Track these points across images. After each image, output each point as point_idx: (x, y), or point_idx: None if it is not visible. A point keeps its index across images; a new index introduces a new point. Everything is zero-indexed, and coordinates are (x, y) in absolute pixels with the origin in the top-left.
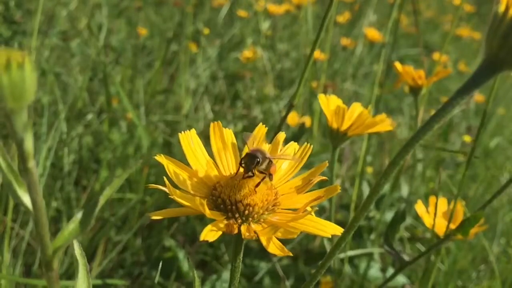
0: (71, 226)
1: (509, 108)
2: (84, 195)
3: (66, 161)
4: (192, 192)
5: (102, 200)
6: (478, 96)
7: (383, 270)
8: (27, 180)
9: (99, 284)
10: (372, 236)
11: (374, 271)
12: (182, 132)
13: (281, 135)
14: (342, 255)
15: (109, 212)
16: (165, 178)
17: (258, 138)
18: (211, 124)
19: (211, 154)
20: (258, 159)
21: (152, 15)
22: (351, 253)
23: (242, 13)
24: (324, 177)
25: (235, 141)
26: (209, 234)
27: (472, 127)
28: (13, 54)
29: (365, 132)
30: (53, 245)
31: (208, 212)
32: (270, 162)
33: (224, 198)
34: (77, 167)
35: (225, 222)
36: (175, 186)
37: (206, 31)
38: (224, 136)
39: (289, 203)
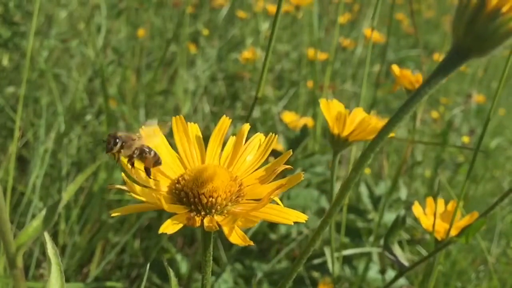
0: (35, 223)
1: (510, 109)
2: (82, 196)
3: (64, 162)
4: (154, 187)
5: (66, 197)
6: (478, 97)
7: (382, 271)
8: None
9: (96, 287)
10: (371, 238)
11: (373, 273)
12: (143, 127)
13: (246, 127)
14: (336, 255)
15: (107, 214)
16: (123, 174)
17: (222, 131)
18: (173, 119)
19: (176, 149)
20: (117, 140)
21: (152, 16)
22: (349, 251)
23: (241, 13)
24: (288, 166)
25: (200, 134)
26: (169, 227)
27: (475, 130)
28: None
29: (367, 138)
30: (17, 243)
31: (166, 206)
32: (142, 152)
33: (187, 191)
34: (76, 168)
35: (186, 215)
36: (138, 183)
37: (205, 32)
38: (187, 130)
39: (254, 194)
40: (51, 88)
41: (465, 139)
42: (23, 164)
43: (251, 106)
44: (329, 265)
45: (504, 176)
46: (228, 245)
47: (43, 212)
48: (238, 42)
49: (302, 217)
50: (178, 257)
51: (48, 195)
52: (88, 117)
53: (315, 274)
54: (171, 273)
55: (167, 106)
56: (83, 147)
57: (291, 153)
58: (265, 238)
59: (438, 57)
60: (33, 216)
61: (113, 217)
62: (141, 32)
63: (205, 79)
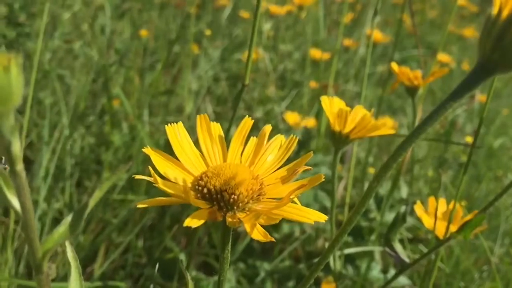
0: (61, 229)
1: None
2: (86, 196)
3: (68, 162)
4: (178, 182)
5: (91, 203)
6: (481, 97)
7: (384, 271)
8: (16, 183)
9: (100, 286)
10: (373, 237)
11: (375, 272)
12: (169, 124)
13: (267, 128)
14: (338, 253)
15: (111, 214)
16: (150, 168)
17: (244, 131)
18: (198, 117)
19: (199, 147)
20: None
21: (155, 17)
22: (351, 250)
23: (244, 14)
24: (308, 167)
25: (222, 133)
26: (193, 221)
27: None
28: None
29: (367, 135)
30: (43, 248)
31: (192, 199)
32: None
33: (210, 188)
34: (79, 168)
35: (209, 210)
36: (162, 177)
37: (208, 32)
38: (211, 128)
39: (274, 193)
40: (55, 89)
41: (469, 139)
42: (27, 164)
43: (239, 92)
44: (331, 262)
45: (507, 175)
46: (231, 244)
47: (69, 218)
48: (241, 42)
49: (322, 217)
50: (182, 256)
51: (51, 195)
52: (92, 118)
53: (319, 273)
54: (188, 276)
55: (170, 106)
56: (87, 147)
57: (312, 155)
58: None
59: (440, 56)
60: (39, 218)
61: (116, 217)
62: (144, 32)
63: (208, 79)
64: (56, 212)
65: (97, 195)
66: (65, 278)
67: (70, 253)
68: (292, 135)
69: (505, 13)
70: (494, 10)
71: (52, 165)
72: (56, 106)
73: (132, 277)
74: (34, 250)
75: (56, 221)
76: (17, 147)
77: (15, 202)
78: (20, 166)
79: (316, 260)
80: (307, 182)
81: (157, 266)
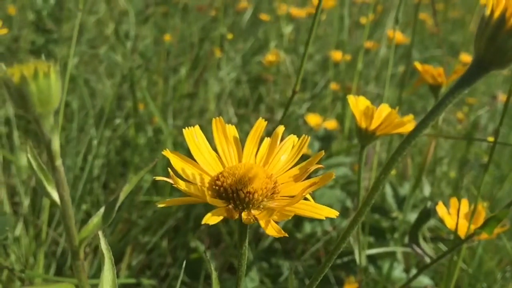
0: (95, 220)
1: None
2: (112, 197)
3: (95, 164)
4: (196, 183)
5: (122, 196)
6: (504, 97)
7: (407, 271)
8: (55, 177)
9: (128, 283)
10: (395, 235)
11: (398, 272)
12: (186, 128)
13: (280, 129)
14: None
15: (137, 215)
16: (169, 169)
17: (258, 132)
18: (213, 120)
19: (215, 149)
20: None
21: (177, 21)
22: (373, 251)
23: (264, 16)
24: (320, 165)
25: (237, 135)
26: (211, 218)
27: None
28: (40, 65)
29: (392, 132)
30: (79, 237)
31: (209, 198)
32: None
33: (226, 187)
34: (106, 170)
35: (226, 208)
36: (181, 178)
37: (230, 35)
38: (226, 130)
39: (288, 191)
40: (82, 93)
41: (491, 139)
42: None
43: (289, 98)
44: (356, 257)
45: None
46: (254, 244)
47: (102, 210)
48: (261, 45)
49: (333, 213)
50: (208, 255)
51: (80, 196)
52: (117, 121)
53: (341, 274)
54: (212, 266)
55: (193, 109)
56: (113, 150)
57: (323, 153)
58: (290, 237)
59: (463, 56)
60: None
61: (142, 218)
62: (167, 37)
63: (229, 82)
64: (83, 213)
65: (127, 189)
66: (96, 275)
67: (103, 245)
68: (304, 135)
69: (496, 14)
70: (487, 11)
71: (78, 167)
72: (82, 109)
73: (158, 277)
74: (71, 238)
75: (84, 222)
76: (56, 144)
77: (54, 195)
78: (59, 162)
79: (334, 258)
80: (318, 180)
81: (183, 265)
